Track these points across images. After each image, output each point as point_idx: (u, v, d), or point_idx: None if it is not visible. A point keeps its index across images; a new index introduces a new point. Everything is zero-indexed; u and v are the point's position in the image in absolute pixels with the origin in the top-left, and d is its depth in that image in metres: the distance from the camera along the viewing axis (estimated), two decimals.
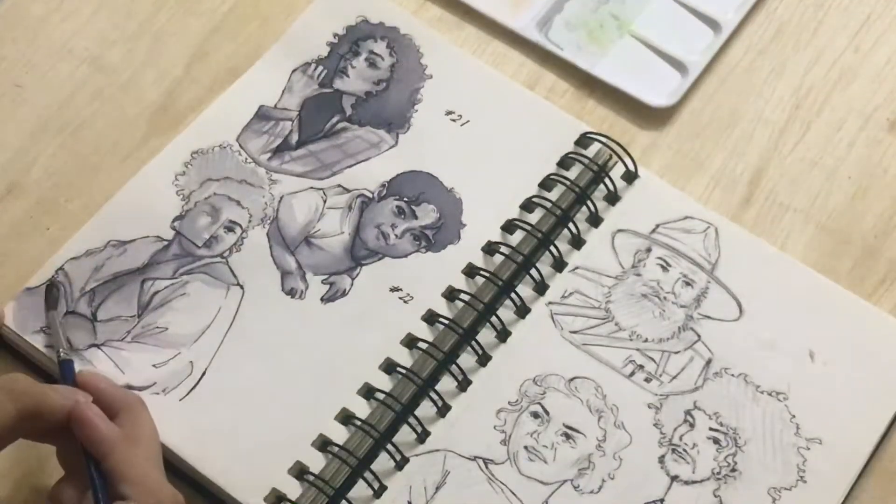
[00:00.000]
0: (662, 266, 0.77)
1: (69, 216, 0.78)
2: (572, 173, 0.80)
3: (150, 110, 0.82)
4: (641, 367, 0.75)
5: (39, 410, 0.64)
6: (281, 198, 0.79)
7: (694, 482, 0.72)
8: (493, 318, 0.75)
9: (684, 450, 0.72)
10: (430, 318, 0.75)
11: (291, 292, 0.76)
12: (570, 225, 0.78)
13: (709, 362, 0.75)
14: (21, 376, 0.65)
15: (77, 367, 0.71)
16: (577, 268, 0.77)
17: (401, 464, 0.71)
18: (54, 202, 0.79)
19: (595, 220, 0.79)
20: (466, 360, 0.74)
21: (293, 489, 0.70)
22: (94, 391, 0.67)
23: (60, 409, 0.65)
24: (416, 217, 0.78)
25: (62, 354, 0.71)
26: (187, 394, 0.72)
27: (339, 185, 0.79)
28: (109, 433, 0.65)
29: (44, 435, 0.66)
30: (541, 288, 0.76)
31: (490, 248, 0.77)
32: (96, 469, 0.64)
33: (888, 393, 0.74)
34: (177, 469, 0.71)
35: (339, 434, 0.72)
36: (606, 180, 0.79)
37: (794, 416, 0.73)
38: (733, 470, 0.72)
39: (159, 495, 0.63)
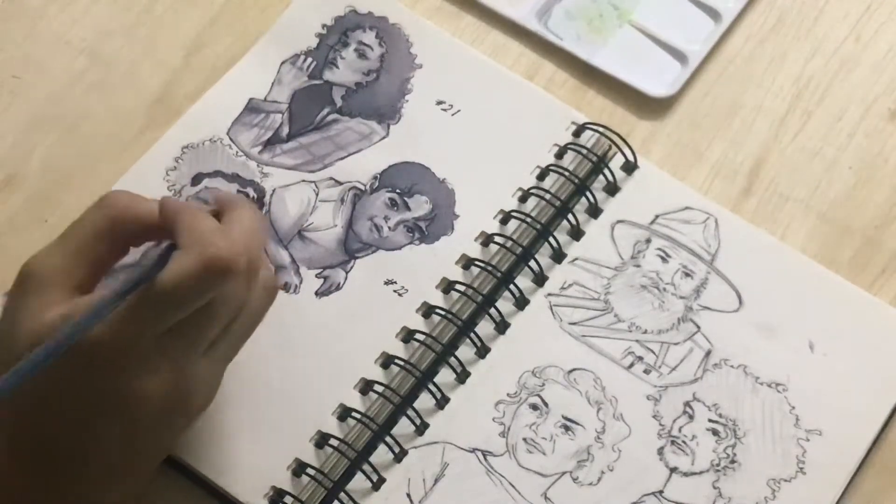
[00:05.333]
0: (662, 257, 0.77)
1: (68, 208, 0.78)
2: (571, 164, 0.79)
3: (149, 102, 0.82)
4: (640, 358, 0.74)
5: (130, 214, 0.64)
6: (273, 191, 0.79)
7: (693, 474, 0.72)
8: (492, 310, 0.75)
9: (683, 441, 0.72)
10: (428, 310, 0.75)
11: (285, 287, 0.75)
12: (570, 216, 0.78)
13: (708, 353, 0.74)
14: (115, 191, 0.66)
15: None
16: (576, 259, 0.77)
17: (399, 456, 0.71)
18: (53, 194, 0.79)
19: (594, 211, 0.78)
20: (465, 352, 0.74)
21: (292, 485, 0.70)
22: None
23: (150, 208, 0.64)
24: (408, 209, 0.78)
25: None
26: None
27: (331, 178, 0.79)
28: (180, 205, 0.64)
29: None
30: (540, 279, 0.76)
31: (486, 240, 0.77)
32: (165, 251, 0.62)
33: (888, 384, 0.74)
34: (177, 466, 0.71)
35: (337, 430, 0.72)
36: (606, 171, 0.79)
37: (793, 408, 0.73)
38: (732, 461, 0.72)
39: (205, 244, 0.61)
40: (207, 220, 0.63)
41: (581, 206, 0.78)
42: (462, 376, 0.73)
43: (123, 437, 0.63)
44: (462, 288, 0.75)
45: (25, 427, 0.62)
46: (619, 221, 0.78)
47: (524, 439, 0.72)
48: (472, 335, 0.74)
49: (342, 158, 0.80)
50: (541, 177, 0.79)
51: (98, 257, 0.64)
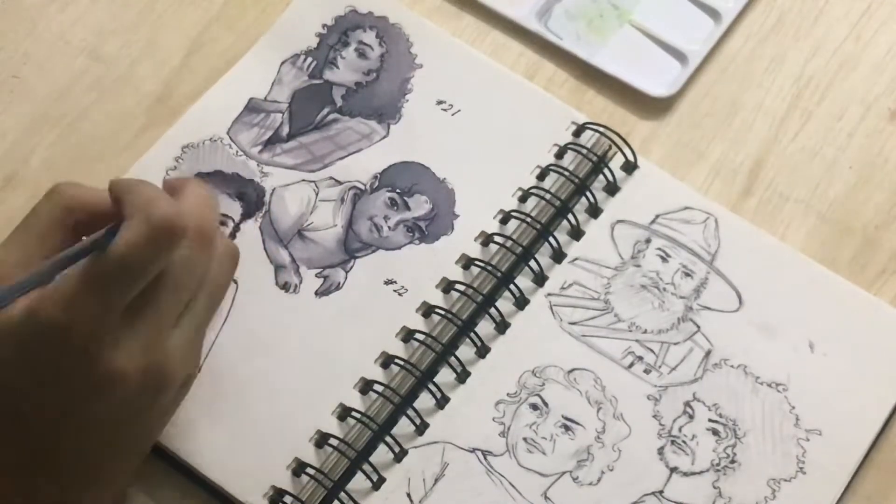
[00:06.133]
0: (662, 257, 0.77)
1: None
2: (571, 164, 0.79)
3: (148, 101, 0.82)
4: (641, 358, 0.74)
5: (82, 199, 0.64)
6: (273, 190, 0.79)
7: (693, 474, 0.72)
8: (492, 310, 0.75)
9: (683, 441, 0.72)
10: (428, 310, 0.75)
11: (285, 286, 0.75)
12: (570, 216, 0.78)
13: (708, 353, 0.74)
14: (64, 182, 0.66)
15: None
16: (576, 259, 0.77)
17: (399, 456, 0.71)
18: None
19: (594, 211, 0.78)
20: (465, 351, 0.74)
21: (292, 485, 0.70)
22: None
23: (101, 196, 0.64)
24: (408, 208, 0.78)
25: None
26: None
27: (331, 178, 0.79)
28: (126, 180, 0.64)
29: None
30: (540, 279, 0.76)
31: (486, 239, 0.77)
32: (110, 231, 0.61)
33: (888, 384, 0.74)
34: (177, 465, 0.71)
35: (337, 429, 0.72)
36: (606, 171, 0.79)
37: (793, 408, 0.73)
38: (732, 461, 0.72)
39: (150, 208, 0.60)
40: (151, 189, 0.62)
41: (581, 206, 0.78)
42: (462, 376, 0.73)
43: (105, 424, 0.62)
44: (462, 288, 0.75)
45: None
46: (619, 221, 0.78)
47: (524, 439, 0.72)
48: (472, 335, 0.74)
49: (342, 158, 0.80)
50: (541, 177, 0.79)
51: (54, 248, 0.64)
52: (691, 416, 0.73)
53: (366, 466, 0.71)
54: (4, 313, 0.59)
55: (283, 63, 0.83)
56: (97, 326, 0.60)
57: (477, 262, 0.76)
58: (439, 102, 0.81)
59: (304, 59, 0.83)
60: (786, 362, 0.74)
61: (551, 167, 0.79)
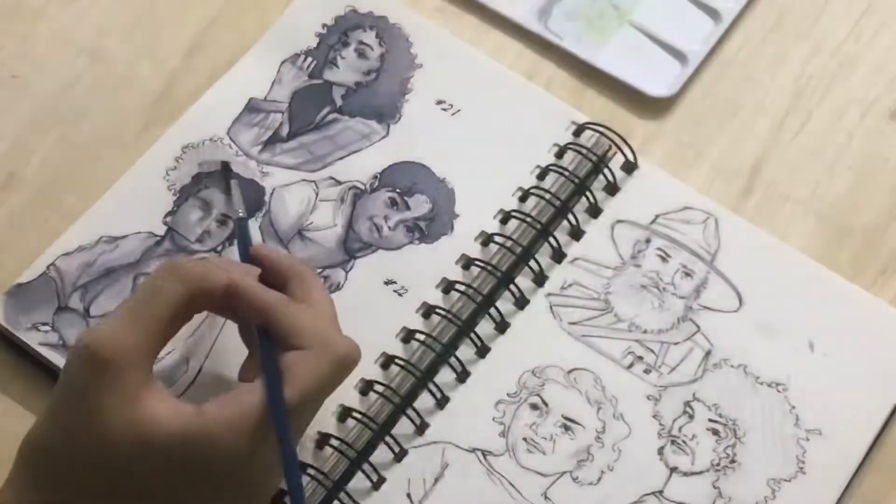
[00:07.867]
0: (662, 257, 0.77)
1: (68, 208, 0.78)
2: (571, 164, 0.79)
3: (149, 101, 0.82)
4: (641, 358, 0.74)
5: (206, 287, 0.64)
6: (273, 190, 0.79)
7: (693, 473, 0.72)
8: (492, 310, 0.75)
9: (683, 441, 0.72)
10: (428, 310, 0.75)
11: None
12: (570, 216, 0.78)
13: (708, 353, 0.74)
14: (184, 258, 0.67)
15: None
16: (576, 259, 0.77)
17: (399, 456, 0.71)
18: (53, 194, 0.79)
19: (594, 211, 0.78)
20: (465, 351, 0.74)
21: None
22: (262, 260, 0.68)
23: (222, 281, 0.64)
24: (408, 208, 0.78)
25: (240, 213, 0.74)
26: (184, 391, 0.72)
27: (331, 178, 0.79)
28: (270, 298, 0.65)
29: (220, 311, 0.68)
30: (540, 279, 0.76)
31: (486, 239, 0.77)
32: (263, 336, 0.64)
33: (888, 384, 0.74)
34: None
35: (337, 430, 0.72)
36: (605, 171, 0.79)
37: (793, 408, 0.73)
38: (732, 461, 0.72)
39: (332, 344, 0.64)
40: (308, 316, 0.65)
41: (581, 206, 0.78)
42: (462, 376, 0.73)
43: None
44: (462, 288, 0.75)
45: None
46: (619, 221, 0.78)
47: (524, 439, 0.72)
48: (472, 335, 0.74)
49: (342, 158, 0.80)
50: (541, 176, 0.79)
51: (175, 332, 0.64)
52: (691, 416, 0.73)
53: (366, 466, 0.71)
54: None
55: (282, 63, 0.83)
56: (265, 455, 0.62)
57: (477, 262, 0.76)
58: (439, 102, 0.81)
59: (304, 59, 0.83)
60: (786, 362, 0.74)
61: (551, 167, 0.79)
